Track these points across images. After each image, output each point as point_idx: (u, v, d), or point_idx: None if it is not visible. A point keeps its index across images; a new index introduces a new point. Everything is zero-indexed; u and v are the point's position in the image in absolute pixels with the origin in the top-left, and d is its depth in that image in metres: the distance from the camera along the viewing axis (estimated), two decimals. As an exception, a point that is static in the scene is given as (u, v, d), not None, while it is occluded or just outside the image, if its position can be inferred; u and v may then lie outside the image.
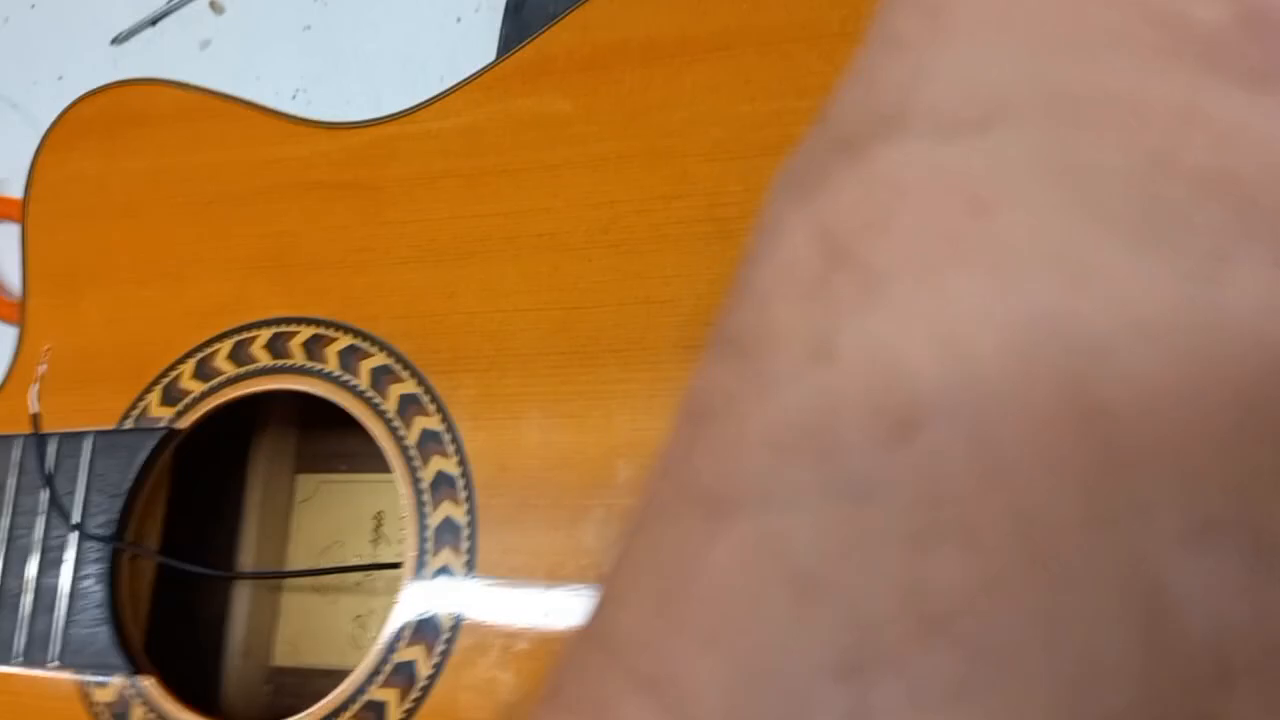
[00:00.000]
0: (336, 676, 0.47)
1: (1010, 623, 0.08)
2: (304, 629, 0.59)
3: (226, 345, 0.52)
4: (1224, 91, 0.09)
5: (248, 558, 0.58)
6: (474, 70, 0.53)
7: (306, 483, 0.61)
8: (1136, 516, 0.08)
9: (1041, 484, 0.08)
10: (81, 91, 0.60)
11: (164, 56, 0.78)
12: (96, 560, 0.51)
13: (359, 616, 0.58)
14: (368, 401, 0.49)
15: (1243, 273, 0.08)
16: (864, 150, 0.10)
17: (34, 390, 0.54)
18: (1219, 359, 0.08)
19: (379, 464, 0.49)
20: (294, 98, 0.75)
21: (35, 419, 0.53)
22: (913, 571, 0.08)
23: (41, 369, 0.54)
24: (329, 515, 0.60)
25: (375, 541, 0.59)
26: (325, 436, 0.61)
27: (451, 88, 0.52)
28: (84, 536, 0.50)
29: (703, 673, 0.09)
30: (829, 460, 0.09)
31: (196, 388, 0.52)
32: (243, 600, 0.58)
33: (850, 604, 0.08)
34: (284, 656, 0.59)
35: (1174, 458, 0.08)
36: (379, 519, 0.59)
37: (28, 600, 0.51)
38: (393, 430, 0.49)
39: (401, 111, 0.53)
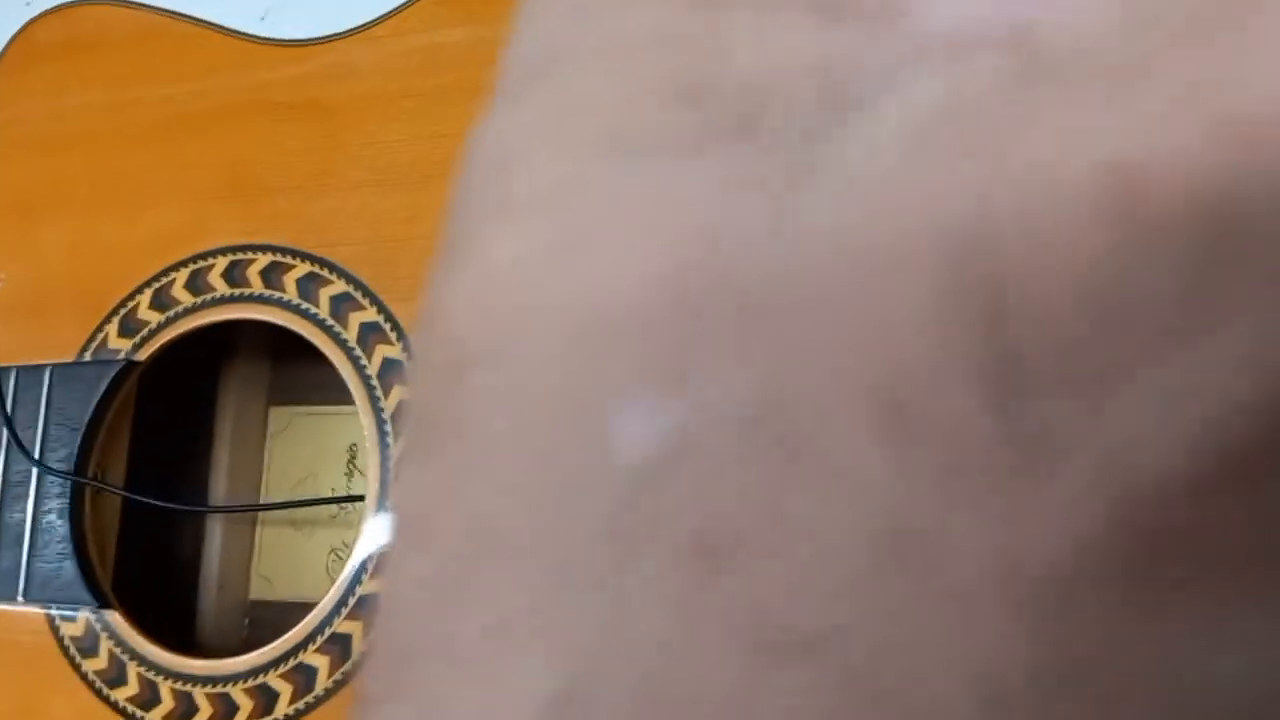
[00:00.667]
0: (312, 609, 0.47)
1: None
2: (279, 563, 0.58)
3: (183, 274, 0.51)
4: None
5: (220, 492, 0.57)
6: (439, -15, 0.50)
7: (279, 415, 0.60)
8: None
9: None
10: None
11: (131, -20, 0.75)
12: (58, 495, 0.50)
13: (334, 549, 0.57)
14: (328, 330, 0.48)
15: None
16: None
17: (-13, 322, 0.53)
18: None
19: (352, 396, 0.48)
20: (262, 19, 0.72)
21: (-9, 352, 0.52)
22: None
23: (-5, 299, 0.53)
24: (303, 448, 0.59)
25: (349, 474, 0.58)
26: (298, 368, 0.59)
27: (408, 2, 0.50)
28: (43, 471, 0.50)
29: None
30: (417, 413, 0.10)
31: (154, 318, 0.51)
32: (216, 534, 0.57)
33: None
34: (260, 590, 0.58)
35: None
36: (352, 451, 0.58)
37: (-8, 536, 0.51)
38: (354, 359, 0.47)
39: (357, 28, 0.51)
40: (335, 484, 0.58)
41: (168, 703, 0.47)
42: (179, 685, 0.48)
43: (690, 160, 0.09)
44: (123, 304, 0.51)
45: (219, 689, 0.47)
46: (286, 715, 0.45)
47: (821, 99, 0.09)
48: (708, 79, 0.09)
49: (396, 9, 0.51)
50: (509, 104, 0.10)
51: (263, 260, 0.49)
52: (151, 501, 0.51)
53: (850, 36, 0.09)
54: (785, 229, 0.08)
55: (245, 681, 0.46)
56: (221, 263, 0.50)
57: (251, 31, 0.58)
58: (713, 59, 0.09)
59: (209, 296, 0.50)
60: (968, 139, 0.08)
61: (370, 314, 0.47)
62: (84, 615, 0.49)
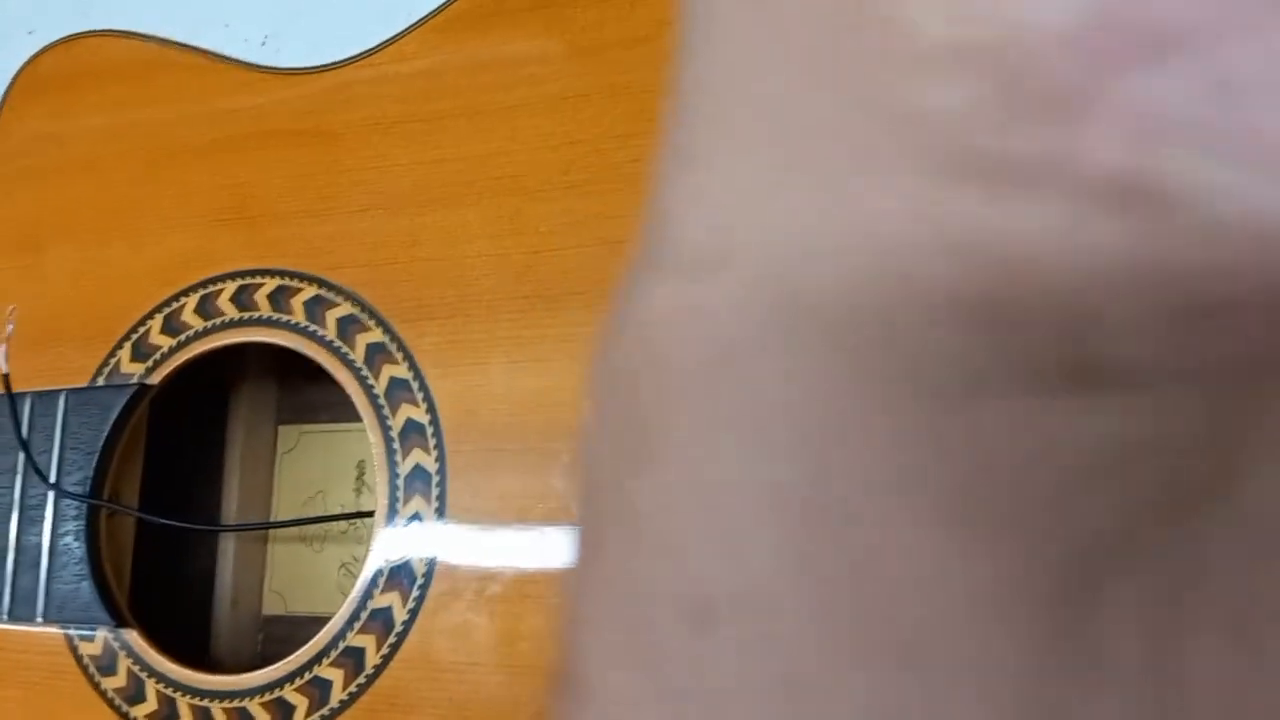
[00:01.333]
0: (324, 624, 0.48)
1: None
2: (292, 578, 0.59)
3: (193, 299, 0.52)
4: (958, 195, 0.08)
5: (231, 510, 0.59)
6: (433, 9, 0.52)
7: (288, 434, 0.61)
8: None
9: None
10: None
11: (133, 6, 0.77)
12: (75, 517, 0.51)
13: (345, 564, 0.59)
14: (335, 351, 0.49)
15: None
16: (638, 288, 0.10)
17: (2, 350, 0.54)
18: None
19: (359, 414, 0.49)
20: (263, 44, 0.74)
21: (6, 379, 0.53)
22: None
23: (9, 329, 0.54)
24: (312, 465, 0.61)
25: (358, 490, 0.59)
26: (306, 387, 0.61)
27: (407, 29, 0.51)
28: (60, 494, 0.51)
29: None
30: (642, 642, 0.10)
31: (165, 343, 0.52)
32: (229, 552, 0.58)
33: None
34: (273, 605, 0.59)
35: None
36: (361, 468, 0.59)
37: (10, 559, 0.52)
38: (361, 379, 0.49)
39: (357, 55, 0.52)
40: (344, 500, 0.59)
41: (186, 718, 0.49)
42: (197, 701, 0.49)
43: (966, 411, 0.08)
44: (134, 329, 0.52)
45: (236, 704, 0.48)
46: (302, 728, 0.47)
47: (1148, 339, 0.08)
48: (975, 288, 0.08)
49: (396, 36, 0.52)
50: (683, 281, 0.10)
51: (270, 284, 0.50)
52: (165, 521, 0.52)
53: (1154, 245, 0.08)
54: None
55: (261, 696, 0.48)
56: (230, 287, 0.51)
57: (253, 57, 0.59)
58: (974, 262, 0.08)
59: (219, 320, 0.51)
60: None
61: (376, 335, 0.48)
62: (102, 634, 0.51)
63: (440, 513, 0.46)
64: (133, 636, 0.50)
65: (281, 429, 0.61)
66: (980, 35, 0.08)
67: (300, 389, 0.60)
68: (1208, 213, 0.07)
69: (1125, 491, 0.08)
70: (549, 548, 0.44)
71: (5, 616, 0.52)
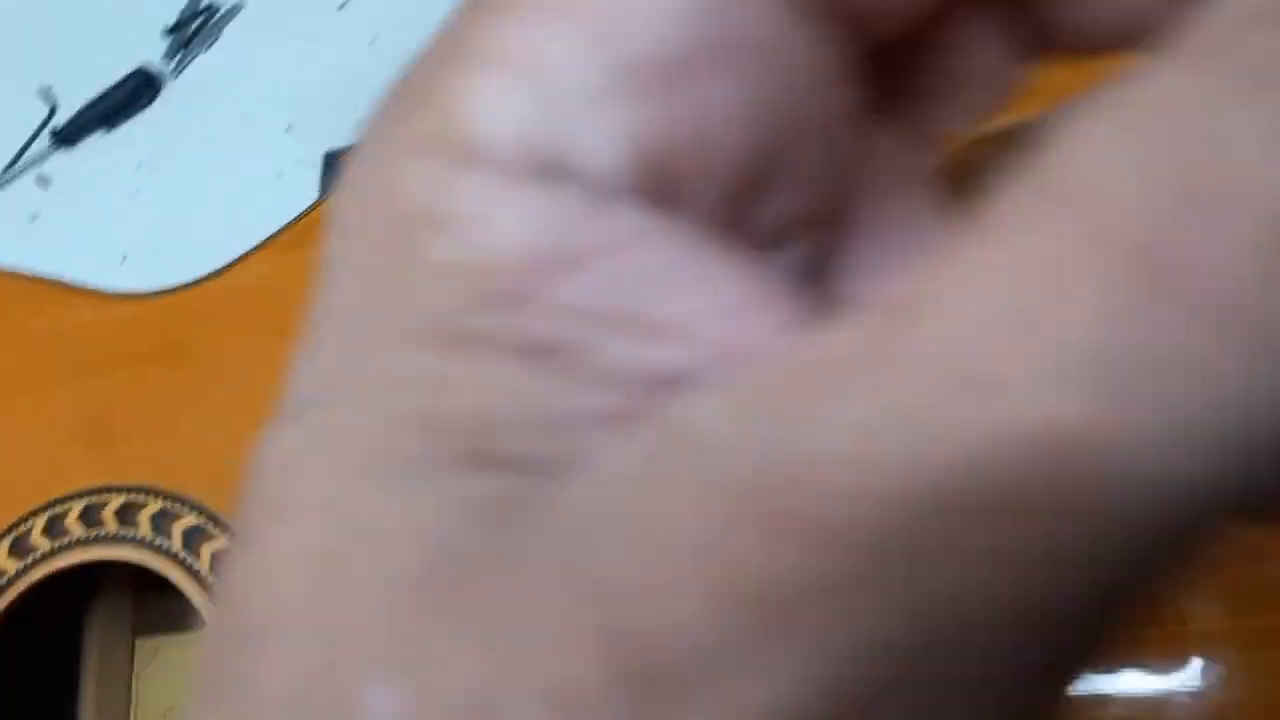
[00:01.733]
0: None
1: None
2: (151, 798, 0.58)
3: (40, 521, 0.52)
4: (438, 357, 0.12)
5: (86, 732, 0.57)
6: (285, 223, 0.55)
7: (145, 647, 0.61)
8: None
9: None
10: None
11: (-8, 234, 0.79)
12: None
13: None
14: (181, 563, 0.50)
15: None
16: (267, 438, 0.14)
17: None
18: None
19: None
20: (122, 263, 0.76)
21: None
22: None
23: None
24: (171, 677, 0.60)
25: (219, 699, 0.59)
26: (163, 597, 0.60)
27: (258, 244, 0.54)
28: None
29: None
30: None
31: (11, 567, 0.52)
32: (83, 777, 0.57)
33: None
34: (131, 830, 0.57)
35: None
36: (221, 676, 0.59)
37: None
38: (209, 589, 0.49)
39: (208, 274, 0.55)
40: (205, 711, 0.59)
41: None
42: None
43: (425, 481, 0.12)
44: (-20, 555, 0.52)
45: None
46: None
47: (534, 438, 0.12)
48: (441, 413, 0.12)
49: (246, 252, 0.55)
50: (291, 422, 0.13)
51: (116, 501, 0.51)
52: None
53: (549, 383, 0.12)
54: (506, 548, 0.11)
55: None
56: (78, 506, 0.52)
57: (110, 277, 0.61)
58: (446, 396, 0.12)
59: (66, 540, 0.52)
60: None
61: (222, 542, 0.49)
62: None
63: None
64: None
65: (138, 642, 0.60)
66: (465, 258, 0.12)
67: (157, 599, 0.60)
68: (592, 363, 0.12)
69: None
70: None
71: None
